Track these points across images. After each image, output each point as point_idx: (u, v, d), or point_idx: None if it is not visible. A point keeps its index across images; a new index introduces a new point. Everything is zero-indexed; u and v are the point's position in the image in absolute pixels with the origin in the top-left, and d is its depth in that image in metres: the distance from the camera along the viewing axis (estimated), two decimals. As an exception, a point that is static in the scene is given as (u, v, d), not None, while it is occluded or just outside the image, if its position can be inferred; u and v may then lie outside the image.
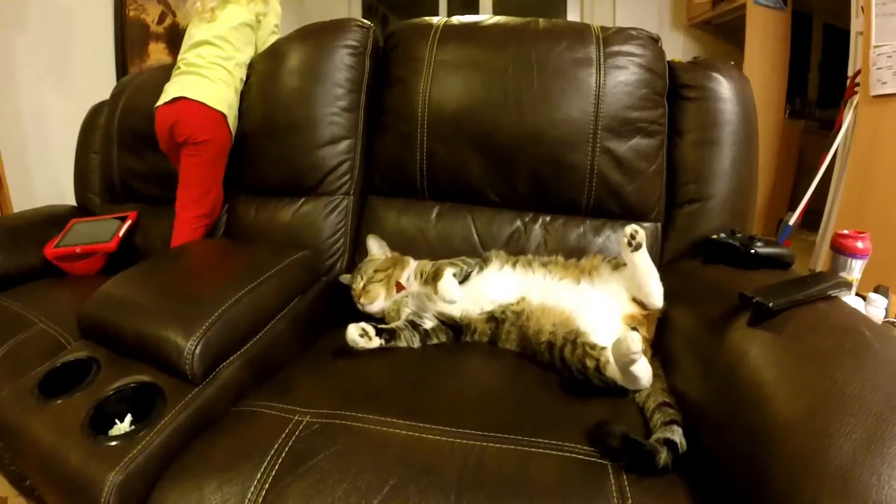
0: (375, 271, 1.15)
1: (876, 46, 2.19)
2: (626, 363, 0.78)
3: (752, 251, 1.00)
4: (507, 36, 1.30)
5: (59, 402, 0.87)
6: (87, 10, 2.96)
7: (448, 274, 1.04)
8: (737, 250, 1.03)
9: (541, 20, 1.32)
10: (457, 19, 1.38)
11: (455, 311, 1.02)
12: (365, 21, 1.39)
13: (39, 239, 1.60)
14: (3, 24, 2.51)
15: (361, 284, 1.13)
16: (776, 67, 3.49)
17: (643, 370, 0.79)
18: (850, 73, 2.61)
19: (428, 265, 1.13)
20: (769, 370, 0.67)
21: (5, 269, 1.52)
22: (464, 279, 1.07)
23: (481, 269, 1.09)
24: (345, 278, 1.22)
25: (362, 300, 1.12)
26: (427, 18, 1.40)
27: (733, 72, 1.28)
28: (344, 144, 1.35)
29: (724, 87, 1.23)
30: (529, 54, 1.25)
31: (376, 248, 1.22)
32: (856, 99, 2.43)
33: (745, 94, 1.25)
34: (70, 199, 1.92)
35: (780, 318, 0.75)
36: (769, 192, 3.41)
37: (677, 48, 4.21)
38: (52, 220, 1.70)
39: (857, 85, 2.41)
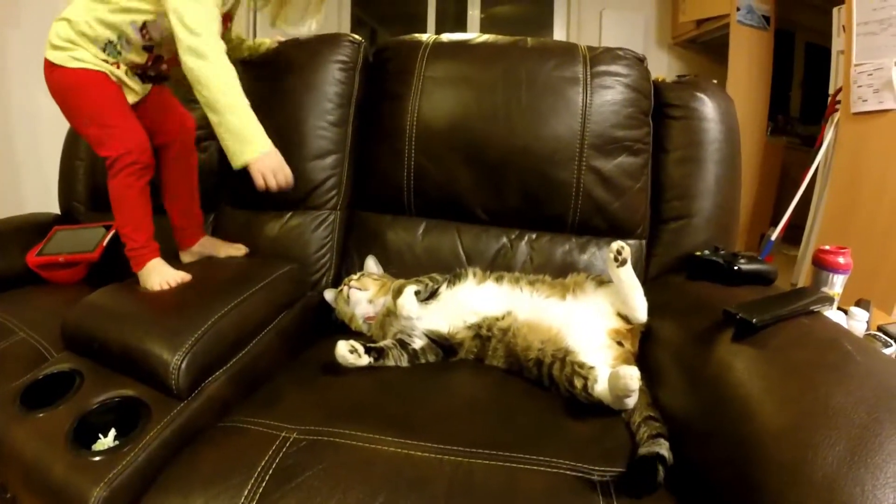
0: (370, 275, 1.18)
1: (857, 65, 2.24)
2: (621, 397, 0.80)
3: (736, 268, 1.03)
4: (497, 54, 1.32)
5: (41, 414, 0.86)
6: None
7: (409, 291, 1.05)
8: (720, 267, 1.05)
9: (529, 39, 1.35)
10: (446, 37, 1.40)
11: (442, 325, 1.03)
12: (356, 37, 1.39)
13: (23, 246, 1.57)
14: (-4, 22, 2.49)
15: (357, 275, 1.16)
16: (759, 85, 3.56)
17: (634, 399, 0.80)
18: (832, 90, 2.67)
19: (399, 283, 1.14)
20: (755, 383, 0.69)
21: (-14, 275, 1.48)
22: (432, 295, 1.08)
23: (452, 284, 1.09)
24: (328, 294, 1.23)
25: (353, 283, 1.14)
26: (417, 35, 1.41)
27: (717, 92, 1.31)
28: (332, 159, 1.35)
29: (708, 107, 1.26)
30: (518, 71, 1.27)
31: (374, 268, 1.24)
32: (837, 116, 2.48)
33: (728, 114, 1.28)
34: (55, 201, 1.90)
35: (763, 334, 0.77)
36: (752, 208, 3.47)
37: (662, 66, 4.29)
38: (36, 227, 1.67)
39: (839, 102, 2.46)
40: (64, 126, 1.92)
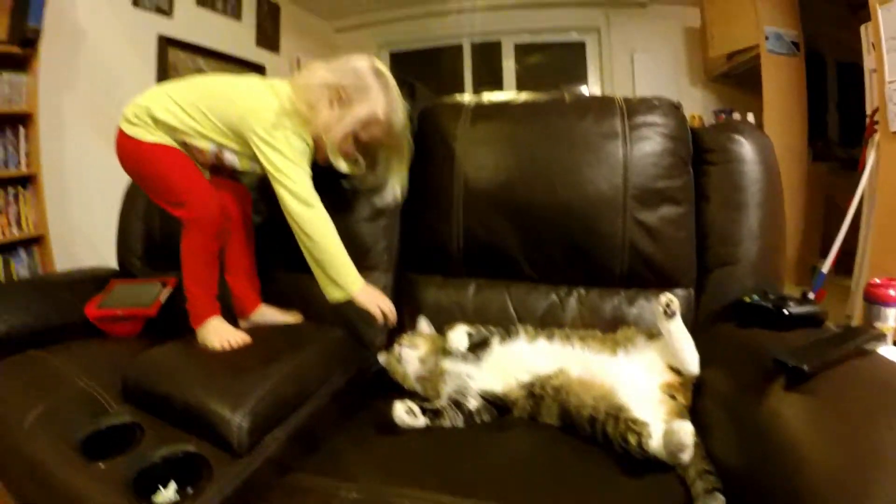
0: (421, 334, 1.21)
1: (890, 82, 2.18)
2: (676, 452, 0.79)
3: (785, 312, 1.01)
4: (536, 113, 1.35)
5: (101, 464, 0.88)
6: (132, 76, 3.15)
7: (461, 327, 1.09)
8: (769, 312, 1.04)
9: (567, 95, 1.38)
10: (487, 98, 1.44)
11: (496, 385, 1.04)
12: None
13: (81, 298, 1.62)
14: (54, 84, 2.67)
15: (408, 335, 1.19)
16: (795, 112, 3.51)
17: (689, 454, 0.80)
18: (869, 110, 2.61)
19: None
20: (806, 432, 0.68)
21: (47, 324, 1.54)
22: (482, 342, 1.10)
23: (503, 340, 1.11)
24: (381, 356, 1.24)
25: (404, 342, 1.16)
26: (458, 97, 1.47)
27: (754, 132, 1.30)
28: (383, 221, 1.39)
29: (746, 149, 1.25)
30: (558, 130, 1.30)
31: (426, 328, 1.27)
32: (877, 137, 2.41)
33: (767, 153, 1.27)
34: (108, 259, 1.99)
35: (815, 380, 0.76)
36: (800, 239, 3.37)
37: (697, 103, 4.30)
38: (94, 281, 1.73)
39: (877, 122, 2.39)
40: (116, 184, 2.03)
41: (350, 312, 1.24)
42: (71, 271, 2.04)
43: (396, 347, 1.19)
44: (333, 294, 1.20)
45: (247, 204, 1.44)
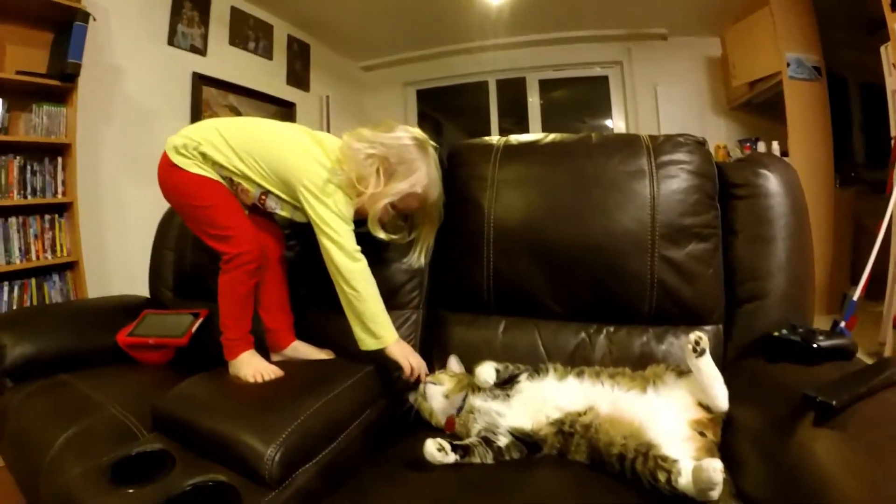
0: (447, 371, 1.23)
1: None
2: (705, 490, 0.78)
3: (814, 345, 1.00)
4: (564, 153, 1.37)
5: (130, 490, 0.90)
6: (167, 112, 3.27)
7: (488, 363, 1.11)
8: (798, 345, 1.03)
9: (594, 135, 1.39)
10: (515, 138, 1.46)
11: (525, 422, 1.04)
12: (431, 142, 1.43)
13: (112, 325, 1.67)
14: (92, 116, 2.78)
15: (436, 372, 1.21)
16: (820, 137, 3.50)
17: (719, 491, 0.79)
18: (893, 132, 2.59)
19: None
20: (835, 468, 0.68)
21: (78, 349, 1.59)
22: (510, 379, 1.11)
23: (533, 377, 1.11)
24: (411, 395, 1.25)
25: (429, 379, 1.19)
26: (487, 139, 1.49)
27: (779, 164, 1.30)
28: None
29: (771, 182, 1.25)
30: (586, 170, 1.31)
31: (456, 367, 1.28)
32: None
33: (793, 185, 1.27)
34: (140, 286, 2.03)
35: (844, 414, 0.75)
36: (829, 266, 3.33)
37: (721, 132, 4.31)
38: (125, 309, 1.79)
39: (901, 144, 2.38)
40: (148, 214, 2.10)
41: (381, 352, 1.26)
42: (103, 298, 2.10)
43: (422, 385, 1.20)
44: (367, 343, 1.24)
45: (281, 243, 1.48)
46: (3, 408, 1.40)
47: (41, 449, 1.13)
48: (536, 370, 1.12)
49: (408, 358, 1.24)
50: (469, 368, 1.25)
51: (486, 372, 1.09)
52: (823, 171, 3.47)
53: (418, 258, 1.41)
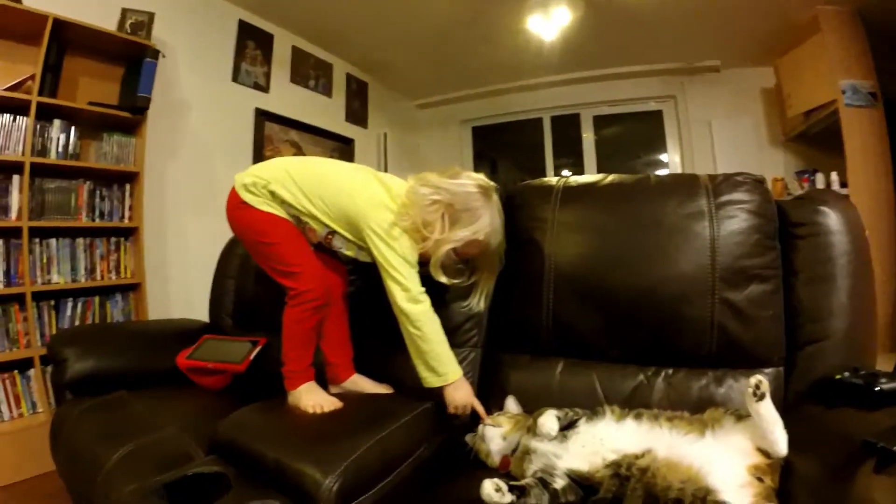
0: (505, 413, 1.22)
1: None
2: None
3: (877, 388, 0.97)
4: (623, 195, 1.37)
5: None
6: (230, 145, 3.44)
7: (550, 412, 1.09)
8: (860, 389, 1.00)
9: (652, 176, 1.39)
10: (574, 180, 1.47)
11: (582, 464, 1.03)
12: (496, 187, 1.41)
13: (172, 347, 1.73)
14: (159, 147, 2.94)
15: (495, 414, 1.20)
16: (880, 165, 3.37)
17: None
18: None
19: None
20: None
21: (138, 369, 1.66)
22: (570, 425, 1.10)
23: (591, 420, 1.10)
24: (468, 437, 1.25)
25: (487, 421, 1.19)
26: (546, 180, 1.50)
27: (839, 201, 1.27)
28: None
29: (832, 220, 1.22)
30: (645, 213, 1.31)
31: (513, 407, 1.28)
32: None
33: (853, 223, 1.24)
34: (199, 311, 2.11)
35: None
36: (893, 303, 3.16)
37: (779, 165, 4.22)
38: (185, 333, 1.86)
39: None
40: (210, 243, 2.19)
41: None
42: (164, 320, 2.20)
43: (480, 426, 1.20)
44: (431, 381, 1.25)
45: (345, 279, 1.52)
46: (62, 419, 1.47)
47: (96, 462, 1.17)
48: (594, 412, 1.11)
49: (461, 403, 1.25)
50: (527, 410, 1.25)
51: (549, 423, 1.08)
52: (884, 201, 3.32)
53: (478, 302, 1.41)
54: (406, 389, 1.35)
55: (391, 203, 1.29)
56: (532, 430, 1.12)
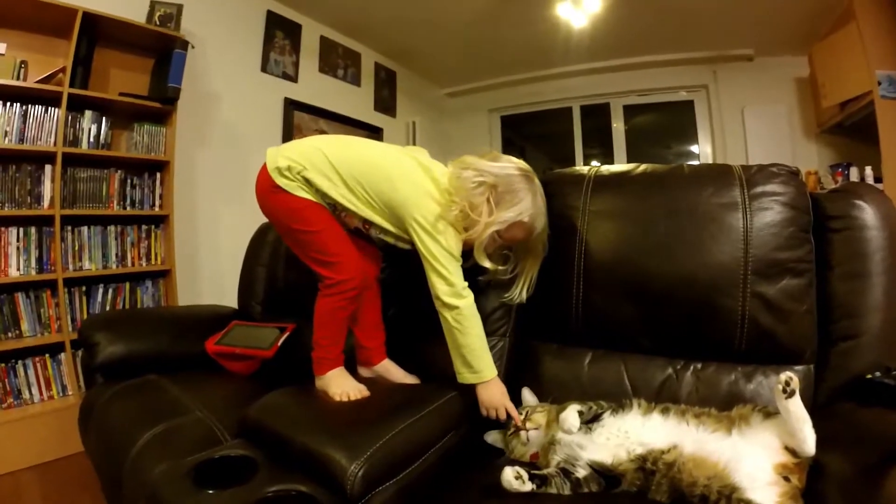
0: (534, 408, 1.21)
1: None
2: None
3: (909, 389, 0.95)
4: (655, 184, 1.35)
5: (211, 492, 0.92)
6: (259, 134, 3.48)
7: (573, 407, 1.08)
8: (892, 390, 0.99)
9: (685, 165, 1.37)
10: (606, 169, 1.45)
11: (606, 456, 1.03)
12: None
13: (202, 332, 1.77)
14: (189, 137, 2.99)
15: (524, 414, 1.19)
16: (916, 160, 3.26)
17: None
18: None
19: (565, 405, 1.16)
20: None
21: (168, 353, 1.69)
22: (595, 419, 1.09)
23: (616, 412, 1.10)
24: (489, 436, 1.25)
25: (529, 425, 1.17)
26: (578, 168, 1.48)
27: (876, 195, 1.24)
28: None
29: (868, 214, 1.19)
30: (678, 202, 1.29)
31: (531, 399, 1.28)
32: None
33: (890, 217, 1.21)
34: (228, 298, 2.15)
35: None
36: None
37: (812, 157, 4.10)
38: (215, 318, 1.89)
39: None
40: (239, 230, 2.22)
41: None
42: (194, 306, 2.24)
43: (522, 433, 1.18)
44: (466, 377, 1.25)
45: (379, 263, 1.51)
46: (92, 401, 1.50)
47: (126, 444, 1.19)
48: (620, 406, 1.11)
49: (494, 405, 1.23)
50: (551, 400, 1.25)
51: (571, 419, 1.07)
52: (921, 195, 3.23)
53: (520, 293, 1.38)
54: (434, 378, 1.35)
55: (436, 193, 1.27)
56: (558, 412, 1.12)
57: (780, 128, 4.21)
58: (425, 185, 1.28)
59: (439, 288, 1.23)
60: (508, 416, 1.23)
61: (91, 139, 2.54)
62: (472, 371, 1.24)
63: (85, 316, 2.52)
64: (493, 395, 1.24)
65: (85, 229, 2.56)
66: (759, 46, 4.17)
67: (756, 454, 0.93)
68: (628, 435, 1.04)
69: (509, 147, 5.51)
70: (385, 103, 4.70)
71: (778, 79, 4.28)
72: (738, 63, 4.37)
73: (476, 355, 1.24)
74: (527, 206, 1.25)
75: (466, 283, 1.26)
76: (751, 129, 4.29)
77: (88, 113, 2.52)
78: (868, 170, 3.55)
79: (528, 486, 0.98)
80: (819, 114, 4.00)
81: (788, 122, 4.22)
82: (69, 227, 2.49)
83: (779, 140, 4.19)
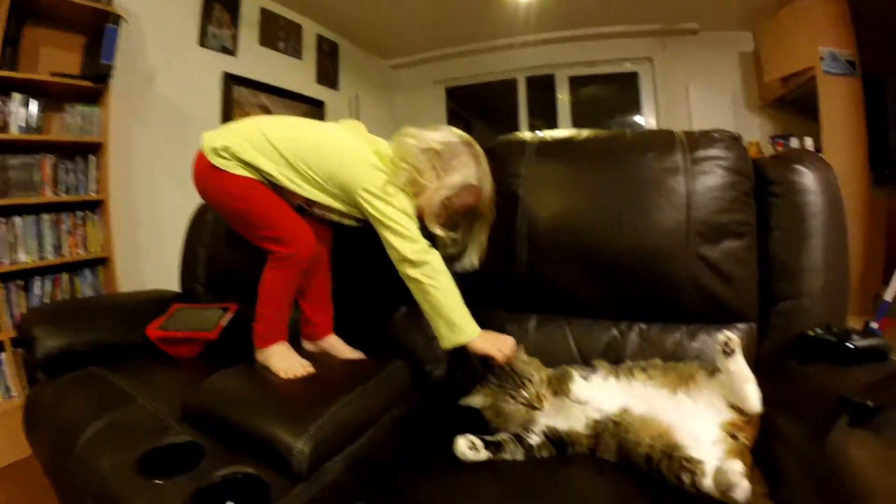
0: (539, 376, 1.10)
1: None
2: (726, 492, 0.78)
3: (849, 345, 0.99)
4: (599, 150, 1.35)
5: (159, 481, 0.91)
6: (198, 111, 3.33)
7: (578, 379, 1.04)
8: (833, 345, 1.02)
9: (628, 131, 1.38)
10: (549, 135, 1.45)
11: (561, 424, 1.03)
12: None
13: (144, 319, 1.68)
14: (124, 116, 2.84)
15: (535, 392, 1.05)
16: (855, 135, 3.40)
17: (742, 494, 0.78)
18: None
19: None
20: (874, 471, 0.67)
21: (110, 343, 1.61)
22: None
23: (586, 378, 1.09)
24: (470, 401, 1.13)
25: (545, 407, 1.05)
26: (520, 134, 1.48)
27: (816, 161, 1.27)
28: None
29: (808, 179, 1.22)
30: (621, 167, 1.30)
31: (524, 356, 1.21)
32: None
33: (829, 183, 1.24)
34: (174, 282, 2.06)
35: (882, 415, 0.74)
36: (861, 266, 3.22)
37: (755, 129, 4.21)
38: (157, 303, 1.80)
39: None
40: (179, 211, 2.13)
41: (410, 339, 1.25)
42: (134, 293, 2.14)
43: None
44: (451, 338, 1.19)
45: (330, 239, 1.48)
46: (35, 399, 1.44)
47: (71, 439, 1.15)
48: (590, 370, 1.10)
49: (498, 347, 1.16)
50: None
51: (585, 389, 1.04)
52: (857, 170, 3.37)
53: (471, 260, 1.36)
54: (379, 353, 1.34)
55: (379, 162, 1.26)
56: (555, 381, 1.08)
57: (723, 101, 4.31)
58: (369, 157, 1.26)
59: (403, 248, 1.19)
60: (501, 368, 1.13)
61: (21, 123, 2.37)
62: (457, 330, 1.18)
63: (25, 311, 2.37)
64: (489, 337, 1.19)
65: (18, 220, 2.39)
66: (705, 21, 4.23)
67: (702, 413, 0.95)
68: (587, 402, 1.04)
69: (455, 120, 5.46)
70: (327, 76, 4.57)
71: (722, 53, 4.36)
72: (683, 37, 4.42)
73: (458, 311, 1.20)
74: (472, 171, 1.26)
75: (428, 242, 1.23)
76: (695, 101, 4.37)
77: (17, 95, 2.35)
78: (808, 141, 3.68)
79: (484, 454, 0.97)
80: (762, 88, 4.12)
81: (732, 96, 4.32)
82: (2, 219, 2.33)
83: (722, 112, 4.28)
